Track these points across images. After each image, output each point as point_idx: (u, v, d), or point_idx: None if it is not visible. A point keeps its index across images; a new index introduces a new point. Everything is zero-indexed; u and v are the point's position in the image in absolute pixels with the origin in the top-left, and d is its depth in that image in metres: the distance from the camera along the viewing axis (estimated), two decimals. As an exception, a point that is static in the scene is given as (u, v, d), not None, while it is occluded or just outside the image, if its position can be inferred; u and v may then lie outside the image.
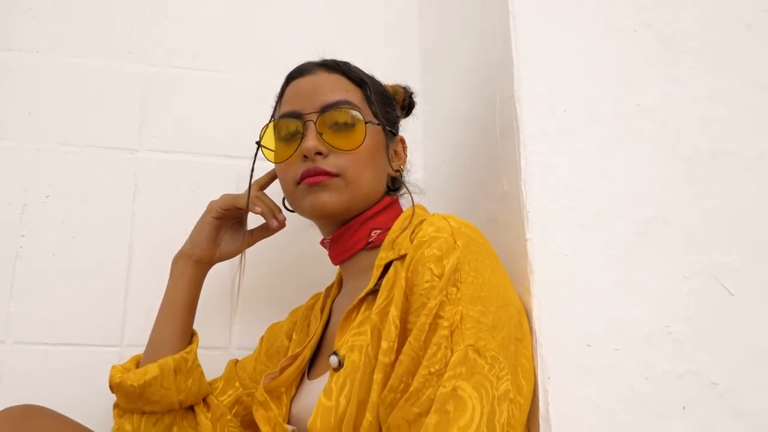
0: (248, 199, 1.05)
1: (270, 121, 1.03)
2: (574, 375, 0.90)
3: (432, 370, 0.77)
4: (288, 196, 1.02)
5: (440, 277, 0.81)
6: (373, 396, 0.80)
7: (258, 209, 1.05)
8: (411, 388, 0.77)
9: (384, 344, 0.81)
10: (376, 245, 0.99)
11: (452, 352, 0.77)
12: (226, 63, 1.40)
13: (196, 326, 1.19)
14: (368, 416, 0.80)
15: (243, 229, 1.09)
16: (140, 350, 1.18)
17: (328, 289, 1.09)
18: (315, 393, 0.92)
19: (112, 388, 1.01)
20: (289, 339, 1.09)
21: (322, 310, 1.05)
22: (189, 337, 1.07)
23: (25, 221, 1.23)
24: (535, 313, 0.91)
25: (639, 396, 0.91)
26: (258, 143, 1.04)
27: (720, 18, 1.11)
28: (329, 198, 0.96)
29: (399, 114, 1.08)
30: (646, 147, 1.02)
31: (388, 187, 1.03)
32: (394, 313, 0.82)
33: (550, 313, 0.91)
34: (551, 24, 1.05)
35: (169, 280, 1.07)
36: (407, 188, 0.99)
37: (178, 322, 1.05)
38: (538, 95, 1.01)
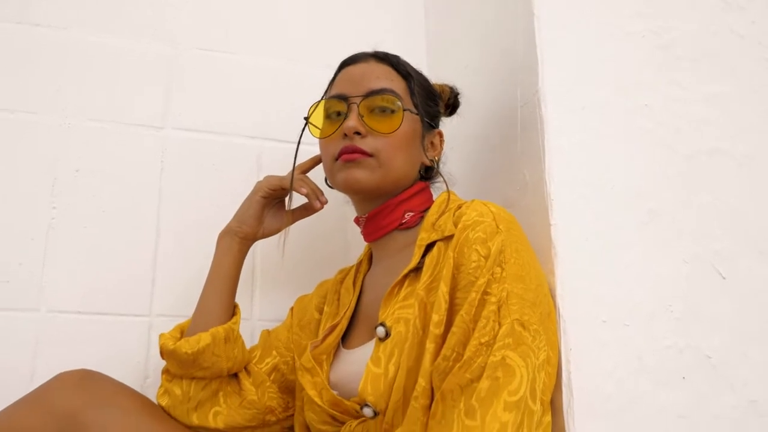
0: (292, 180, 1.12)
1: (320, 100, 1.10)
2: (591, 348, 1.00)
3: (482, 341, 0.87)
4: (327, 170, 1.10)
5: (486, 257, 0.90)
6: (426, 363, 0.89)
7: (303, 190, 1.12)
8: (464, 357, 0.86)
9: (435, 317, 0.90)
10: (409, 226, 1.07)
11: (500, 325, 0.87)
12: (246, 46, 1.45)
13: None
14: (421, 381, 0.89)
15: (286, 209, 1.16)
16: (167, 320, 1.26)
17: (358, 265, 1.17)
18: (355, 361, 1.00)
19: (165, 354, 1.07)
20: (319, 312, 1.16)
21: (354, 285, 1.13)
22: (233, 308, 1.13)
23: (56, 194, 1.26)
24: (558, 292, 1.01)
25: (646, 367, 1.02)
26: (306, 119, 1.11)
27: (717, 28, 1.23)
28: (362, 174, 1.04)
29: (442, 110, 1.16)
30: (652, 144, 1.13)
31: (420, 174, 1.11)
32: (443, 289, 0.91)
33: (571, 292, 1.01)
34: (571, 28, 1.15)
35: (216, 254, 1.13)
36: (443, 177, 1.07)
37: (224, 294, 1.11)
38: (559, 94, 1.10)
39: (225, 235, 1.15)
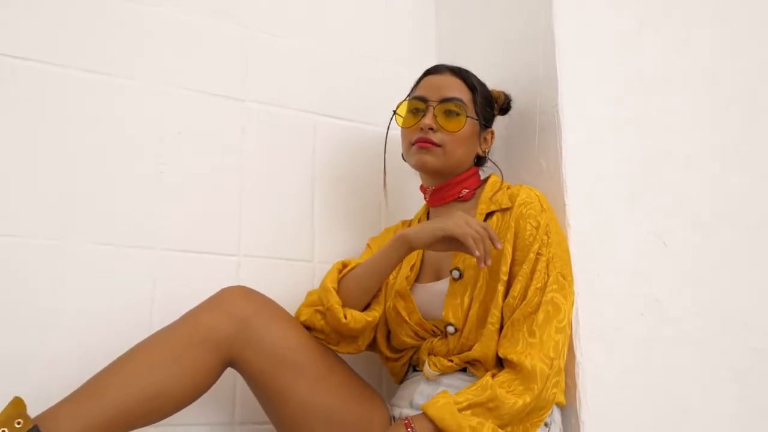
0: (468, 228, 1.26)
1: (406, 98, 1.45)
2: (590, 292, 1.43)
3: (537, 286, 1.28)
4: (405, 151, 1.46)
5: (537, 228, 1.31)
6: (498, 299, 1.29)
7: (476, 253, 1.24)
8: (526, 298, 1.27)
9: (503, 268, 1.30)
10: (465, 199, 1.45)
11: (548, 276, 1.29)
12: (300, 33, 1.75)
13: (287, 244, 1.62)
14: (495, 312, 1.29)
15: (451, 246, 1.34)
16: (252, 260, 1.57)
17: (418, 222, 1.53)
18: (431, 293, 1.37)
19: (336, 324, 1.32)
20: None
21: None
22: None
23: (163, 151, 1.53)
24: (574, 260, 1.43)
25: (622, 306, 1.48)
26: (394, 111, 1.47)
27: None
28: (430, 159, 1.41)
29: (496, 112, 1.53)
30: (635, 146, 1.58)
31: (474, 161, 1.49)
32: (507, 248, 1.31)
33: (578, 254, 1.43)
34: (586, 49, 1.55)
35: (387, 248, 1.34)
36: (496, 165, 1.46)
37: (380, 281, 1.36)
38: (574, 106, 1.51)
39: (401, 240, 1.31)
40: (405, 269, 1.45)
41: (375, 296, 1.40)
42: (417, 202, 1.65)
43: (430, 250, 1.33)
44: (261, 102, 1.66)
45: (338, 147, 1.73)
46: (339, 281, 1.37)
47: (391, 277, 1.46)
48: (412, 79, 1.57)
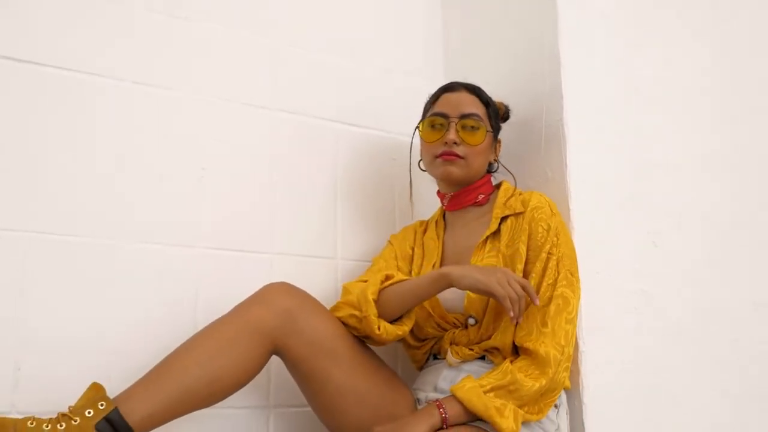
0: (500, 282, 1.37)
1: (427, 116, 1.60)
2: (592, 287, 1.60)
3: (549, 282, 1.44)
4: (427, 163, 1.61)
5: (547, 231, 1.47)
6: (514, 295, 1.45)
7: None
8: (539, 293, 1.43)
9: (519, 266, 1.46)
10: (480, 204, 1.61)
11: (558, 273, 1.45)
12: (321, 47, 1.89)
13: (313, 243, 1.76)
14: (510, 304, 1.45)
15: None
16: (283, 257, 1.71)
17: (436, 224, 1.68)
18: (454, 289, 1.50)
19: (369, 332, 1.45)
20: (411, 249, 1.66)
21: (438, 238, 1.65)
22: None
23: (203, 157, 1.66)
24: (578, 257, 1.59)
25: (619, 299, 1.65)
26: (417, 127, 1.61)
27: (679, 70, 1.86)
28: (455, 170, 1.56)
29: (501, 123, 1.69)
30: (634, 158, 1.75)
31: (487, 169, 1.64)
32: (522, 248, 1.47)
33: (582, 253, 1.59)
34: (587, 64, 1.71)
35: (430, 280, 1.43)
36: (509, 171, 1.63)
37: (415, 304, 1.47)
38: (578, 121, 1.68)
39: (445, 277, 1.42)
40: (427, 267, 1.60)
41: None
42: (427, 202, 1.83)
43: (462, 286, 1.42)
44: (288, 111, 1.80)
45: (357, 153, 1.88)
46: (379, 293, 1.47)
47: (414, 271, 1.62)
48: (423, 90, 1.73)
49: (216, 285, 1.62)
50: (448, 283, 1.41)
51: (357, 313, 1.46)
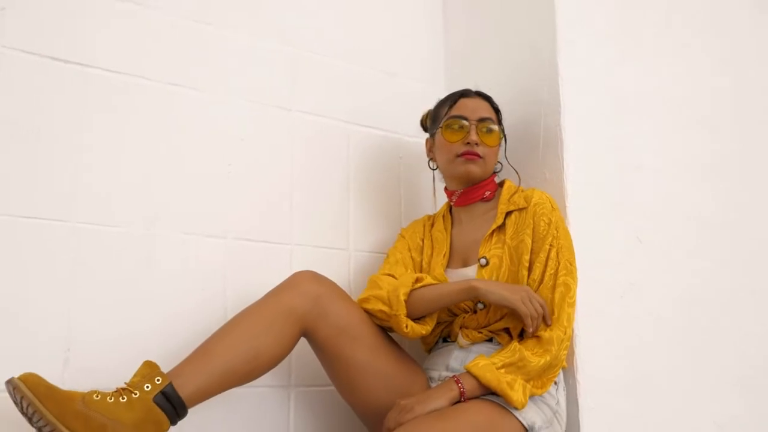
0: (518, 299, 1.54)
1: (446, 119, 1.74)
2: (587, 275, 1.76)
3: (551, 271, 1.60)
4: (447, 162, 1.74)
5: (549, 225, 1.64)
6: (522, 281, 1.61)
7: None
8: (543, 281, 1.59)
9: (525, 257, 1.62)
10: (487, 200, 1.77)
11: (559, 262, 1.61)
12: (335, 53, 2.03)
13: (328, 234, 1.89)
14: (517, 292, 1.61)
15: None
16: (302, 248, 1.85)
17: (443, 218, 1.83)
18: (463, 277, 1.66)
19: (397, 329, 1.60)
20: (421, 241, 1.81)
21: (446, 230, 1.80)
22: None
23: (229, 154, 1.79)
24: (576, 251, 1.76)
25: (608, 287, 1.83)
26: (439, 126, 1.75)
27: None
28: (475, 169, 1.72)
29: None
30: (623, 162, 1.92)
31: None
32: (527, 240, 1.63)
33: (577, 247, 1.76)
34: (582, 74, 1.88)
35: (457, 289, 1.58)
36: (515, 170, 1.79)
37: (440, 309, 1.63)
38: (575, 128, 1.84)
39: (473, 293, 1.57)
40: (438, 256, 1.76)
41: (403, 263, 1.73)
42: (430, 195, 1.99)
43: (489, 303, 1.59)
44: (305, 112, 1.93)
45: (367, 151, 2.02)
46: (409, 294, 1.60)
47: (424, 261, 1.77)
48: (425, 95, 1.89)
49: (242, 272, 1.76)
50: (475, 295, 1.57)
51: (387, 309, 1.60)
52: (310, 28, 1.99)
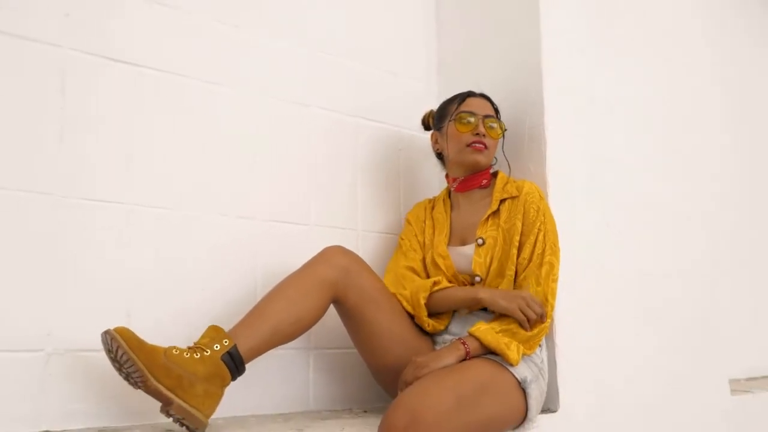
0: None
1: (457, 113, 2.00)
2: (566, 255, 2.06)
3: (538, 252, 1.89)
4: (457, 151, 1.99)
5: (537, 212, 1.93)
6: (513, 258, 1.90)
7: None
8: (531, 259, 1.88)
9: (516, 238, 1.91)
10: (484, 187, 2.04)
11: (545, 244, 1.90)
12: (345, 54, 2.28)
13: (336, 214, 2.16)
14: (510, 266, 1.89)
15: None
16: (319, 228, 2.10)
17: (443, 202, 2.10)
18: (462, 254, 1.95)
19: (419, 324, 1.92)
20: (423, 223, 2.08)
21: (445, 213, 2.07)
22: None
23: (255, 144, 2.02)
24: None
25: (584, 263, 2.14)
26: (452, 119, 2.01)
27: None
28: (481, 158, 1.99)
29: None
30: (597, 157, 2.23)
31: (488, 159, 2.09)
32: (518, 224, 1.92)
33: (564, 238, 2.07)
34: (564, 77, 2.17)
35: (466, 296, 1.88)
36: (508, 161, 2.08)
37: (452, 309, 1.92)
38: (558, 124, 2.14)
39: (479, 303, 1.85)
40: (440, 235, 2.03)
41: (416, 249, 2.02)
42: (426, 182, 2.28)
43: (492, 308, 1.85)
44: (321, 107, 2.17)
45: (372, 143, 2.28)
46: (428, 297, 1.90)
47: (427, 239, 2.05)
48: (425, 92, 2.16)
49: (269, 248, 2.00)
50: (480, 304, 1.86)
51: (410, 309, 1.91)
52: (324, 32, 2.22)
